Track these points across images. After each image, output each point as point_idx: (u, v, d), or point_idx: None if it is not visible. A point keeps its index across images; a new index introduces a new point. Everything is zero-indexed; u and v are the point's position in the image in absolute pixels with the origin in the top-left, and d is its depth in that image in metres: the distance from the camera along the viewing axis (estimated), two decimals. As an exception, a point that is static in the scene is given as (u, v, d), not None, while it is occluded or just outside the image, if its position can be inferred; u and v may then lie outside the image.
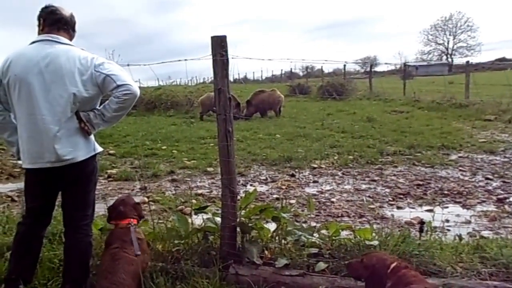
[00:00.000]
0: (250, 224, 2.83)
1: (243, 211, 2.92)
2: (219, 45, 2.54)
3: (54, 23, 2.34)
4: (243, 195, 5.16)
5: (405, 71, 21.08)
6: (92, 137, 2.42)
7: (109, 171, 6.21)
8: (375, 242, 2.72)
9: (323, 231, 3.13)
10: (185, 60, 2.88)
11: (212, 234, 2.92)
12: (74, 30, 2.47)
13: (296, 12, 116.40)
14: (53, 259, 2.82)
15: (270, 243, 2.90)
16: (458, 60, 53.29)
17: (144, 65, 3.13)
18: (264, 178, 6.09)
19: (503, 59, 47.50)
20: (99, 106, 2.39)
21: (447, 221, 4.19)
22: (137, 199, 4.88)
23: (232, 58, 2.57)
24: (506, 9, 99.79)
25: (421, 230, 2.90)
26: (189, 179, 5.97)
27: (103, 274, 2.13)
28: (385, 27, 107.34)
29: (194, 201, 4.91)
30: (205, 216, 3.06)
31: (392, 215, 4.46)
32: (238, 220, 2.79)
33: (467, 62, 17.39)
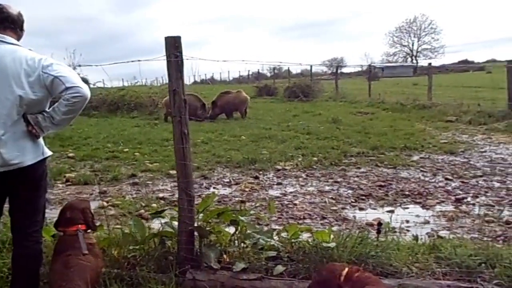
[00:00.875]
0: (208, 228, 2.78)
1: (202, 215, 2.85)
2: (173, 46, 2.50)
3: (0, 22, 2.25)
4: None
5: (370, 73, 21.58)
6: (41, 140, 2.33)
7: (67, 174, 5.97)
8: (333, 244, 2.70)
9: (283, 234, 3.09)
10: (139, 61, 2.82)
11: (169, 239, 2.85)
12: (22, 30, 2.37)
13: (267, 11, 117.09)
14: (2, 268, 2.71)
15: (228, 247, 2.86)
16: (422, 62, 55.16)
17: (96, 65, 3.02)
18: (227, 180, 6.00)
19: (465, 61, 49.59)
20: (49, 109, 2.30)
21: (407, 221, 4.26)
22: (95, 204, 4.75)
23: (187, 59, 2.53)
24: (469, 12, 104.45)
25: (378, 232, 2.90)
26: (150, 183, 5.80)
27: (57, 282, 2.08)
28: (353, 28, 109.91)
29: (155, 205, 4.78)
30: (163, 221, 2.97)
31: (354, 217, 4.48)
32: (196, 224, 2.73)
33: (429, 64, 18.00)
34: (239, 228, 2.86)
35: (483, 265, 2.62)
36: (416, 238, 3.18)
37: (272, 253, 2.77)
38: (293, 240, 2.88)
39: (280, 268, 2.65)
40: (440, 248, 2.85)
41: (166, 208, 3.74)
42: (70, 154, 7.43)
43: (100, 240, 2.78)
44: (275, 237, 3.05)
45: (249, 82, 33.09)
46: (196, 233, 2.77)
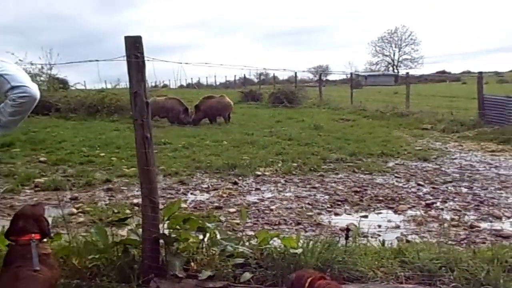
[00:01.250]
0: (174, 236, 2.73)
1: (168, 221, 2.82)
2: (133, 46, 2.42)
3: None
4: (183, 205, 5.13)
5: (351, 80, 21.88)
6: None
7: (36, 180, 5.78)
8: (299, 251, 2.72)
9: (253, 241, 3.09)
10: (97, 61, 2.75)
11: (134, 247, 2.78)
12: None
13: (254, 17, 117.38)
14: None
15: (196, 254, 2.82)
16: (403, 71, 56.35)
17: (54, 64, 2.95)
18: (206, 186, 5.99)
19: (443, 72, 50.87)
20: None
21: (379, 226, 4.36)
22: (66, 210, 4.68)
23: (147, 60, 2.44)
24: (448, 24, 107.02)
25: (347, 237, 2.95)
26: (125, 188, 5.73)
27: None
28: (340, 37, 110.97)
29: (128, 211, 4.73)
30: (128, 228, 2.93)
31: (329, 222, 4.55)
32: (162, 231, 2.69)
33: (407, 73, 18.40)
34: (207, 235, 2.84)
35: (443, 268, 2.70)
36: (383, 243, 3.25)
37: (240, 260, 2.75)
38: (262, 247, 2.87)
39: (247, 275, 2.63)
40: (405, 253, 2.92)
41: (130, 215, 3.65)
42: (42, 159, 7.23)
43: (59, 249, 2.71)
44: (246, 243, 3.05)
45: (235, 87, 33.10)
46: (162, 241, 2.72)
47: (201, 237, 2.88)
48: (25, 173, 6.09)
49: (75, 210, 4.57)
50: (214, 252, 2.81)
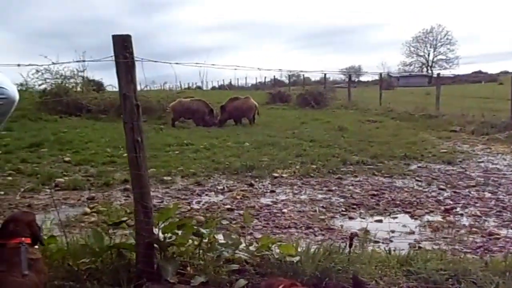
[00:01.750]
0: (168, 240, 2.69)
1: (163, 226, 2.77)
2: (121, 45, 2.33)
3: None
4: (195, 206, 5.14)
5: (380, 81, 21.38)
6: None
7: (58, 179, 5.95)
8: (296, 258, 2.64)
9: (251, 247, 3.01)
10: (83, 61, 2.75)
11: (129, 251, 2.75)
12: None
13: (287, 18, 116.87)
14: None
15: (193, 259, 2.78)
16: (437, 72, 54.69)
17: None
18: (221, 187, 5.99)
19: (479, 72, 48.92)
20: None
21: (393, 231, 4.19)
22: (79, 210, 4.79)
23: (136, 60, 2.38)
24: (486, 23, 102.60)
25: (350, 245, 2.84)
26: (142, 189, 5.81)
27: None
28: (373, 38, 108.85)
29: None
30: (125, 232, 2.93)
31: (342, 226, 4.42)
32: (156, 236, 2.65)
33: (438, 74, 17.83)
34: (203, 240, 2.78)
35: (450, 280, 2.55)
36: (389, 251, 3.11)
37: (235, 266, 2.69)
38: (258, 253, 2.80)
39: (242, 282, 2.56)
40: (411, 262, 2.78)
41: (124, 219, 3.61)
42: (67, 159, 7.43)
43: (55, 251, 2.72)
44: (250, 248, 2.98)
45: (265, 89, 33.13)
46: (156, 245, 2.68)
47: (196, 242, 2.83)
48: (48, 173, 6.29)
49: (88, 210, 4.65)
50: (209, 257, 2.75)
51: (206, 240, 2.82)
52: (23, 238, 2.12)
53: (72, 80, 15.95)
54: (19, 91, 2.29)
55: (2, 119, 2.18)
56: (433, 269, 2.65)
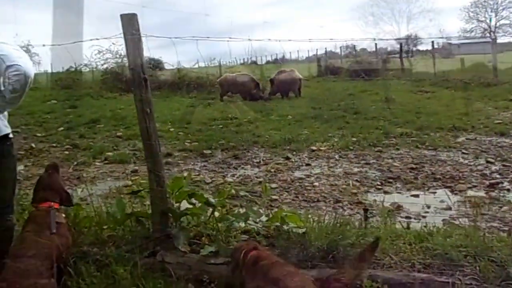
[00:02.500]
0: (181, 210, 2.78)
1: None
2: (129, 23, 2.48)
3: None
4: (229, 179, 5.25)
5: (433, 49, 20.00)
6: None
7: (107, 153, 6.37)
8: (302, 230, 2.64)
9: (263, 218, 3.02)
10: (97, 39, 2.87)
11: (147, 219, 2.86)
12: None
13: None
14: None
15: (206, 230, 2.85)
16: (501, 38, 49.73)
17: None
18: (257, 161, 6.06)
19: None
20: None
21: (428, 207, 4.04)
22: (122, 182, 5.09)
23: (143, 36, 2.51)
24: None
25: (365, 218, 2.79)
26: (182, 162, 6.04)
27: (11, 258, 2.09)
28: (430, 4, 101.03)
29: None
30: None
31: (375, 200, 4.32)
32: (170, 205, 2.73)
33: (494, 40, 16.26)
34: (215, 210, 2.85)
35: (468, 257, 2.43)
36: (408, 226, 3.01)
37: (245, 237, 2.74)
38: (270, 224, 2.83)
39: None
40: (429, 238, 2.68)
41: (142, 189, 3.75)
42: (119, 134, 7.91)
43: (82, 218, 2.91)
44: (263, 219, 2.96)
45: (320, 62, 32.34)
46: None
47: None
48: (100, 147, 6.74)
49: (130, 183, 4.94)
50: (220, 227, 2.82)
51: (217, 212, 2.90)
52: (52, 203, 2.34)
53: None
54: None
55: (21, 93, 2.24)
56: (452, 245, 2.54)
